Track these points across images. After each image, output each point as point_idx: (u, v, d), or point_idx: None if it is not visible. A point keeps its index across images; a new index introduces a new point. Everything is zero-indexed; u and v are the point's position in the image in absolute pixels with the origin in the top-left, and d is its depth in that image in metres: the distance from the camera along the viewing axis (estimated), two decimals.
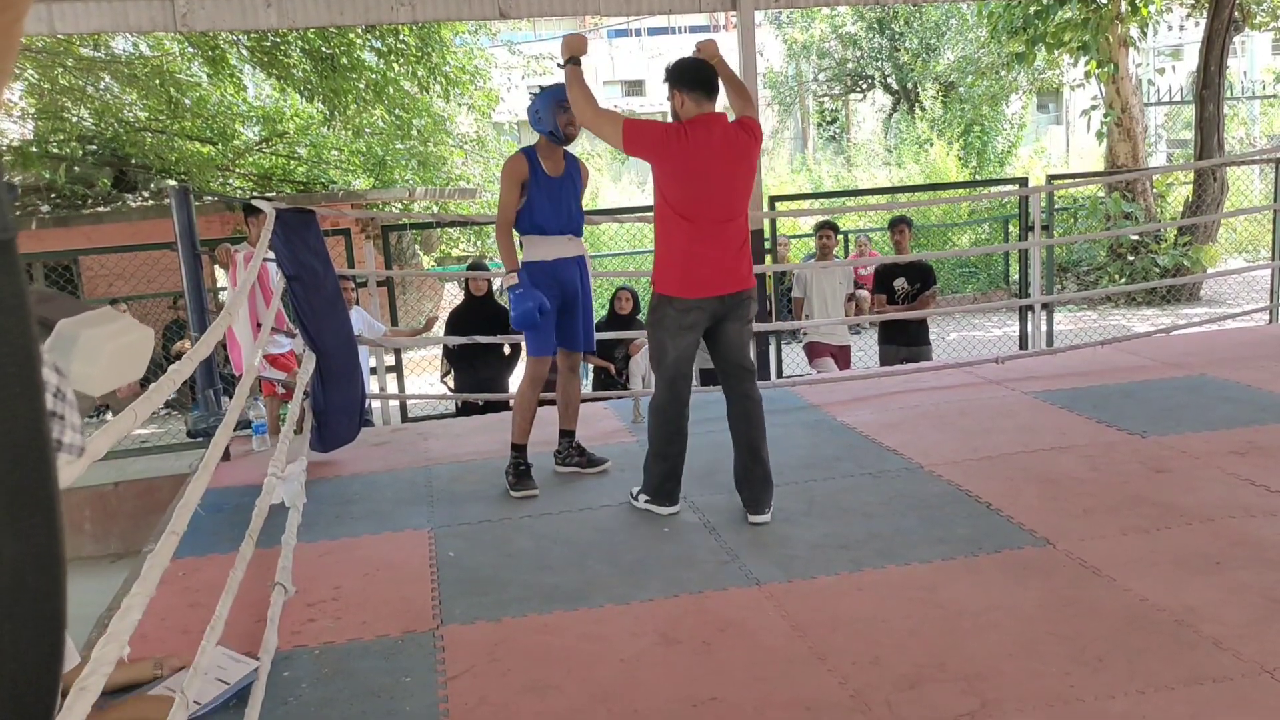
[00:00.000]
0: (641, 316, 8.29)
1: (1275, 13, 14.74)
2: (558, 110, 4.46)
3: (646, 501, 4.23)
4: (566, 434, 4.94)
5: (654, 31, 35.23)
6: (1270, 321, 8.40)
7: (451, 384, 7.85)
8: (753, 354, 4.19)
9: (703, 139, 3.92)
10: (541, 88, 4.70)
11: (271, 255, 5.04)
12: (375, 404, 7.10)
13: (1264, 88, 21.76)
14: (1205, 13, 13.03)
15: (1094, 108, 14.93)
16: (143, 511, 7.06)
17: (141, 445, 8.11)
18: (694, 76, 4.02)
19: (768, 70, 28.54)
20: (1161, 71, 18.71)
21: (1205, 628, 3.01)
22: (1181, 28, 22.04)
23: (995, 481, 4.34)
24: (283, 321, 5.94)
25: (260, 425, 5.59)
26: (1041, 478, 4.38)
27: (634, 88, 35.81)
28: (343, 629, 3.39)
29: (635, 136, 3.99)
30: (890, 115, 26.47)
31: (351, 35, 13.03)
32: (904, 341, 7.48)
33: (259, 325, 5.21)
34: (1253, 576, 3.32)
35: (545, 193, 4.54)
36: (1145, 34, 14.68)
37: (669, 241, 4.01)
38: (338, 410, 5.17)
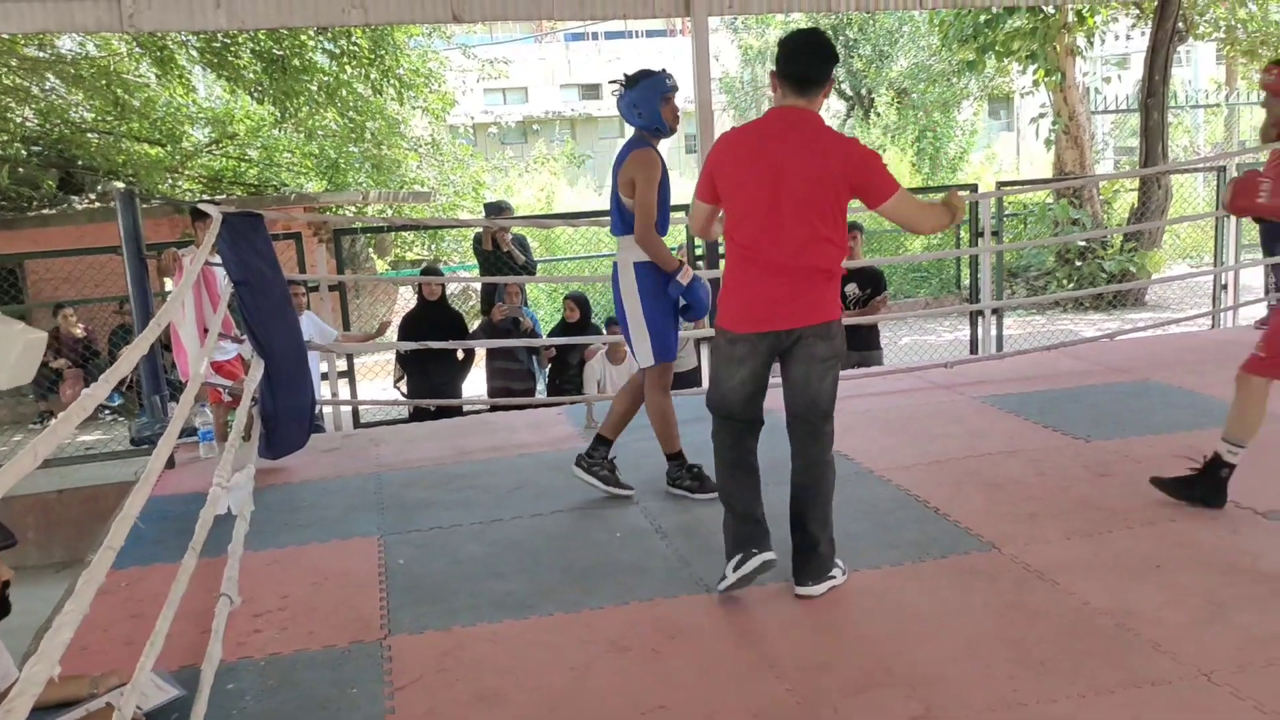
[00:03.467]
0: (597, 320, 8.30)
1: (1218, 23, 15.06)
2: (661, 103, 4.13)
3: (733, 568, 3.36)
4: (606, 442, 4.56)
5: (611, 35, 35.29)
6: (1212, 327, 8.56)
7: (404, 389, 7.80)
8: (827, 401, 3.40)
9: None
10: (628, 76, 4.21)
11: (217, 260, 4.98)
12: (326, 410, 7.03)
13: (1207, 97, 22.20)
14: (1150, 23, 13.28)
15: (1042, 115, 15.16)
16: (87, 519, 6.93)
17: (86, 452, 7.97)
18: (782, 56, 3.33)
19: (724, 75, 28.67)
20: (1108, 80, 19.07)
21: (1145, 630, 3.06)
22: (1128, 37, 22.42)
23: (944, 486, 4.39)
24: (229, 327, 5.86)
25: (207, 432, 5.51)
26: (989, 482, 4.43)
27: (590, 91, 35.82)
28: (289, 639, 3.35)
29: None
30: (845, 121, 26.67)
31: (303, 37, 12.91)
32: (856, 346, 7.52)
33: (206, 331, 5.14)
34: (1191, 579, 3.38)
35: (664, 191, 4.24)
36: (1091, 43, 14.95)
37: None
38: (287, 416, 5.11)
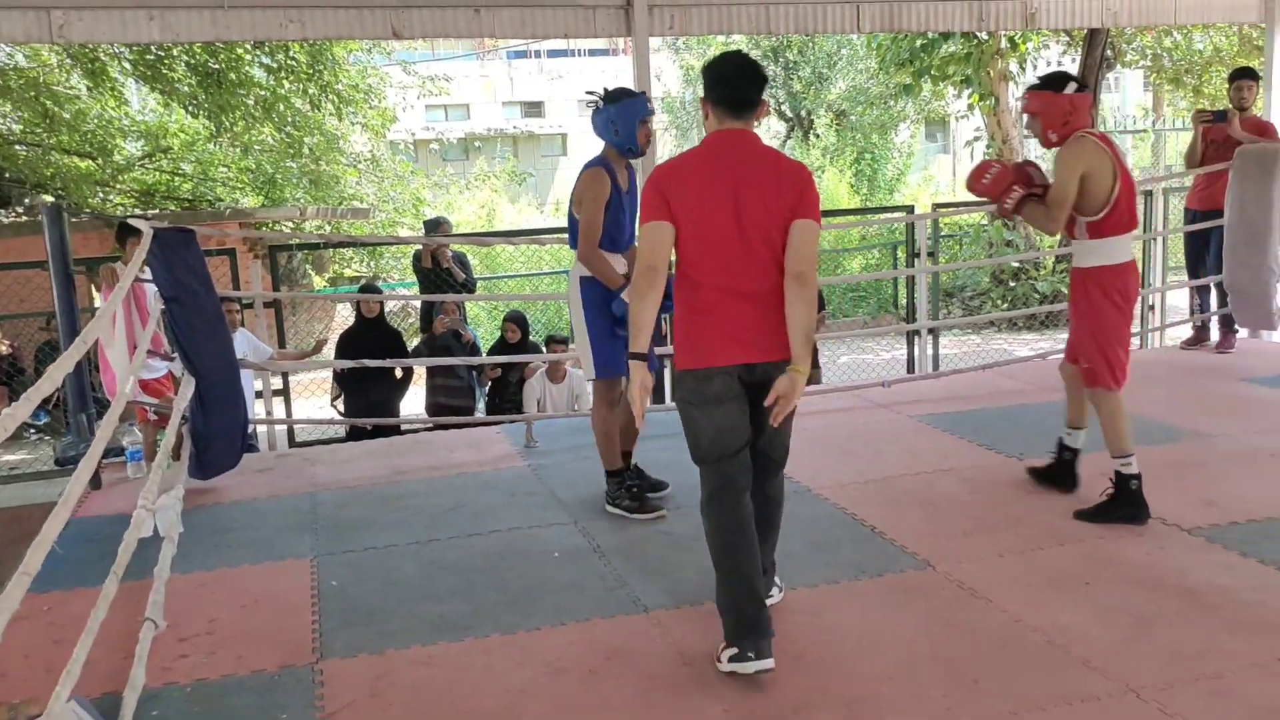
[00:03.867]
0: (536, 339, 8.26)
1: (1144, 51, 15.48)
2: (639, 125, 4.19)
3: (730, 659, 2.98)
4: (617, 472, 4.51)
5: (554, 54, 35.34)
6: (1141, 346, 8.75)
7: (341, 408, 7.69)
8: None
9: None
10: (608, 91, 4.28)
11: (148, 276, 4.88)
12: (260, 429, 6.90)
13: (1135, 122, 22.81)
14: (1080, 50, 13.62)
15: (977, 138, 15.46)
16: (10, 541, 6.71)
17: (10, 472, 7.74)
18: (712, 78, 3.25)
19: (665, 95, 28.83)
20: None
21: (1075, 647, 3.11)
22: (1059, 64, 22.95)
23: (880, 505, 4.42)
24: (159, 344, 5.74)
25: (135, 452, 5.39)
26: (924, 500, 4.47)
27: (533, 109, 35.83)
28: (217, 664, 3.27)
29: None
30: (785, 141, 26.95)
31: (239, 50, 12.75)
32: None
33: (135, 348, 5.02)
34: (1120, 596, 3.44)
35: (616, 209, 4.26)
36: (1024, 69, 15.28)
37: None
38: (218, 436, 5.01)
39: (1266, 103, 8.51)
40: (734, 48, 25.90)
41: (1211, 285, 7.24)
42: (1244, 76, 6.93)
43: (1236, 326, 7.23)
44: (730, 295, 3.07)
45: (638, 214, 3.54)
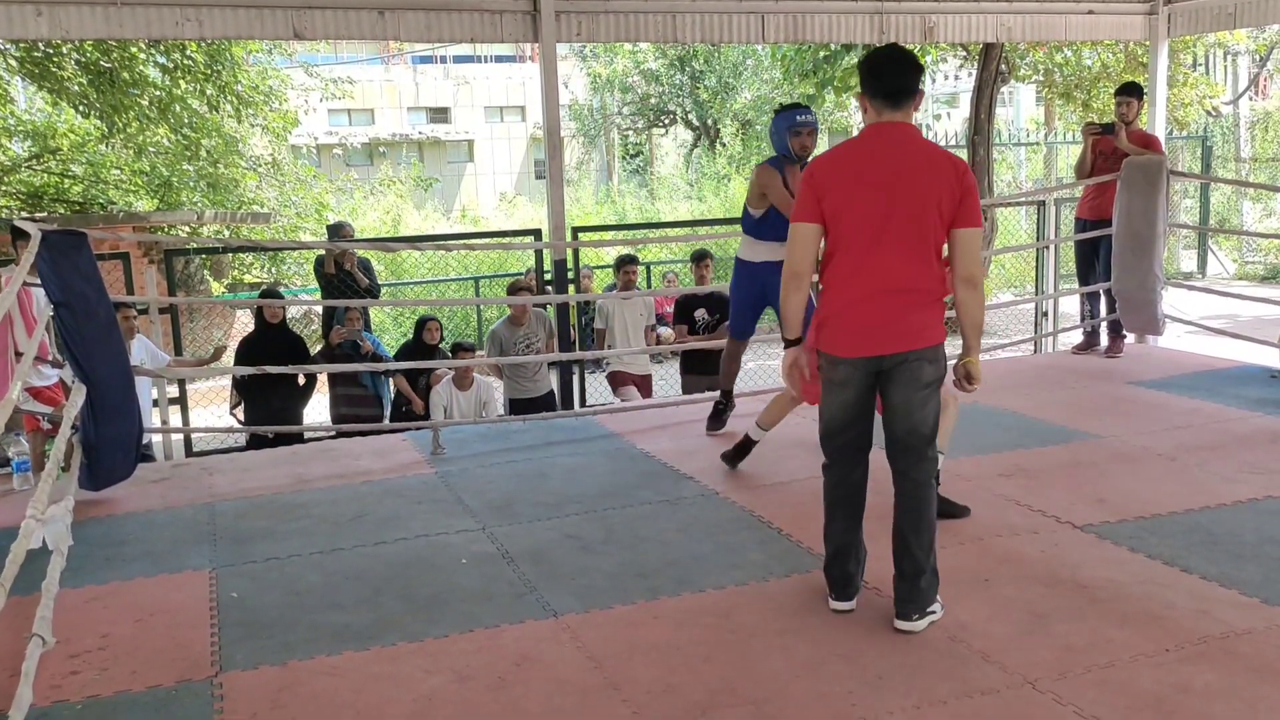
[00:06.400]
0: (444, 345, 8.17)
1: (1037, 67, 15.99)
2: (789, 134, 4.99)
3: (827, 594, 3.48)
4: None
5: (460, 59, 35.05)
6: (1035, 352, 9.04)
7: (241, 416, 7.51)
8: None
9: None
10: (782, 105, 5.25)
11: (37, 280, 4.69)
12: (155, 438, 6.70)
13: (1028, 135, 23.54)
14: (976, 65, 14.01)
15: None
16: None
17: None
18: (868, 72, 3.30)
19: (573, 102, 28.85)
20: (938, 118, 19.96)
21: (975, 642, 3.19)
22: (956, 77, 23.64)
23: (786, 506, 4.48)
24: (48, 351, 5.53)
25: (21, 463, 5.18)
26: None
27: (439, 114, 35.47)
28: (110, 680, 3.16)
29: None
30: (692, 150, 27.21)
31: (133, 49, 12.35)
32: (705, 371, 7.63)
33: (20, 355, 4.83)
34: (1017, 592, 3.54)
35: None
36: (922, 81, 15.61)
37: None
38: (111, 445, 4.84)
39: (1150, 117, 8.87)
40: (640, 55, 26.11)
41: (1101, 292, 7.51)
42: (1128, 93, 7.20)
43: (1125, 332, 7.50)
44: (872, 290, 3.21)
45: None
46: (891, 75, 3.20)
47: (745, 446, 5.05)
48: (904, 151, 3.19)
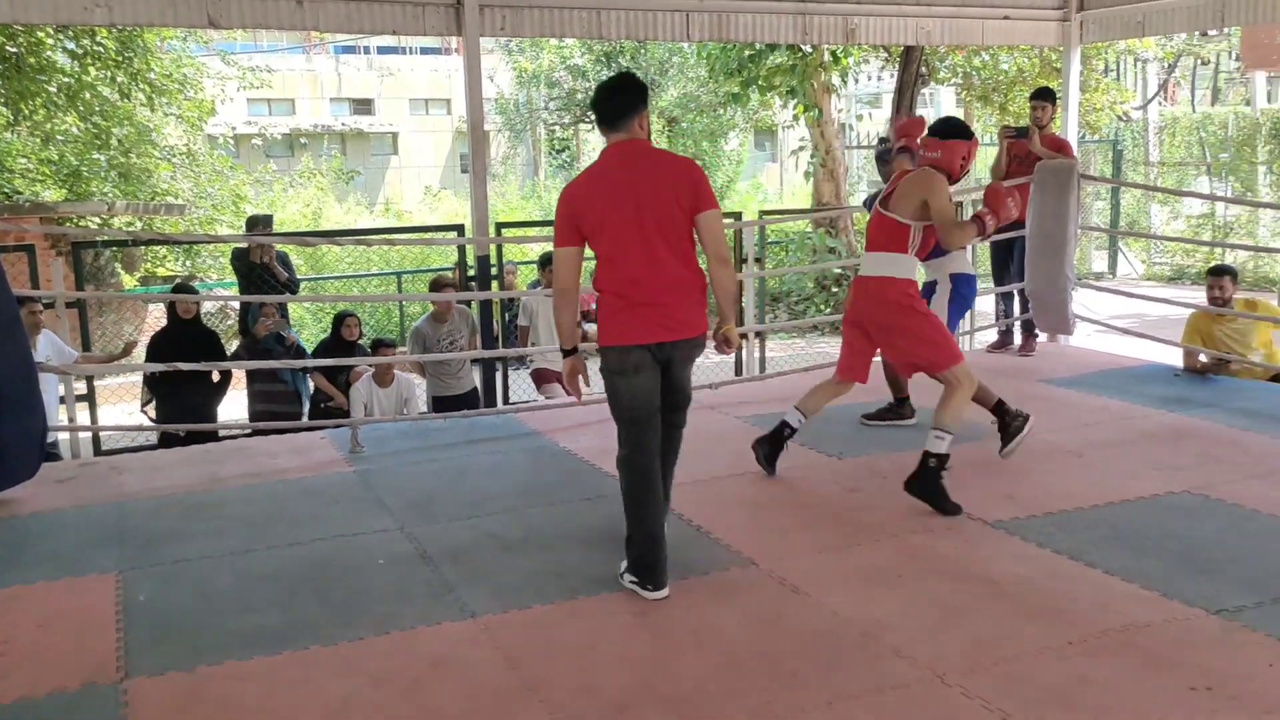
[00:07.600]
0: (364, 341, 8.05)
1: (956, 70, 16.32)
2: (880, 165, 5.86)
3: (631, 581, 3.62)
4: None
5: (384, 50, 34.55)
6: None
7: (152, 413, 7.32)
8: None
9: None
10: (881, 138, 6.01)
11: None
12: (61, 436, 6.49)
13: None
14: (897, 66, 14.23)
15: (802, 148, 15.94)
16: None
17: None
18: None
19: (498, 96, 28.65)
20: (860, 118, 20.27)
21: (887, 637, 3.25)
22: (879, 78, 24.00)
23: (707, 505, 4.51)
24: None
25: None
26: (749, 500, 4.59)
27: (362, 106, 34.93)
28: (10, 686, 3.07)
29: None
30: None
31: (41, 34, 11.97)
32: None
33: None
34: (928, 588, 3.61)
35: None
36: (845, 82, 15.86)
37: None
38: (13, 443, 4.69)
39: (1064, 121, 9.10)
40: (566, 51, 26.01)
41: (1015, 292, 7.68)
42: (1041, 97, 7.38)
43: (1037, 331, 7.69)
44: (646, 294, 3.58)
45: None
46: (602, 103, 3.67)
47: (779, 437, 4.90)
48: (637, 163, 3.61)
